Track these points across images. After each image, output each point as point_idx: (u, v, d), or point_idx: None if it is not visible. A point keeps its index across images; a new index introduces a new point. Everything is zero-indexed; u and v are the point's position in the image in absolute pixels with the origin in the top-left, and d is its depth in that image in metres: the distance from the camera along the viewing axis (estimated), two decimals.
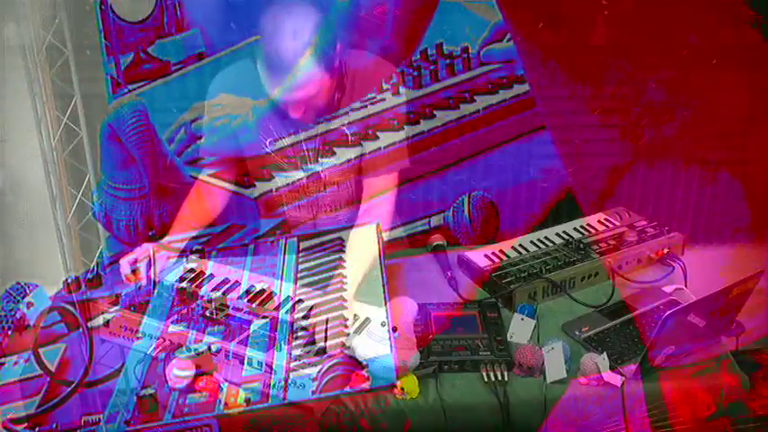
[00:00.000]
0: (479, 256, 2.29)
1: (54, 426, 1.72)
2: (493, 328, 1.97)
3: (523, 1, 3.00)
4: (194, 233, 2.37)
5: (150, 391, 1.73)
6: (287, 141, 2.29)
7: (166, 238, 2.32)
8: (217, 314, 2.00)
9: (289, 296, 2.06)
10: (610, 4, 2.84)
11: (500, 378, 1.79)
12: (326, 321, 1.92)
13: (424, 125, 3.19)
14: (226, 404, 1.72)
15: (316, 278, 2.14)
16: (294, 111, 2.12)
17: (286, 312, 1.99)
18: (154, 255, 2.19)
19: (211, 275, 2.20)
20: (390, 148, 2.31)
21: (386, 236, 2.25)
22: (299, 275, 2.17)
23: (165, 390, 1.76)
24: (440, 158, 3.24)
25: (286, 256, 2.27)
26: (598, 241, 2.33)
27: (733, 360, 1.83)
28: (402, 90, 2.31)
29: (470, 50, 3.13)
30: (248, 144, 2.32)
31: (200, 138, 3.18)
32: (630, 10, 2.82)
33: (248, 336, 1.91)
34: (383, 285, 2.03)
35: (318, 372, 1.77)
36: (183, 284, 2.13)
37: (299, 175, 2.36)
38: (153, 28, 3.11)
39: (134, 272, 2.17)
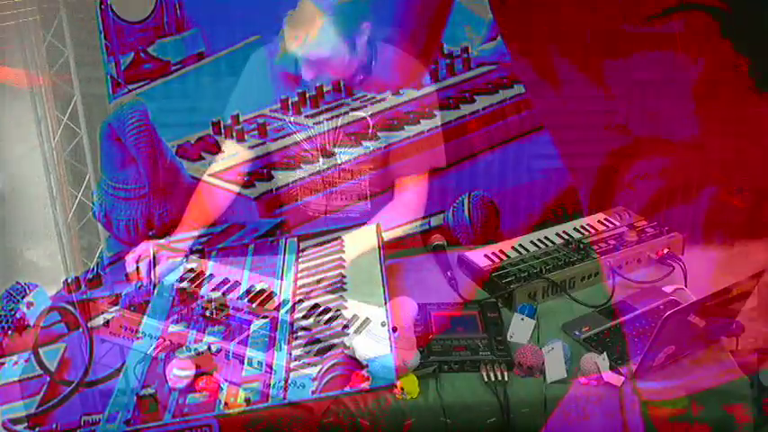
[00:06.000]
0: (479, 256, 2.29)
1: (54, 426, 1.72)
2: (493, 328, 1.97)
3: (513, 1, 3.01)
4: (196, 233, 2.38)
5: (150, 391, 1.73)
6: (303, 135, 2.32)
7: (167, 238, 2.32)
8: (217, 314, 2.00)
9: (289, 296, 2.06)
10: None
11: (500, 378, 1.79)
12: (328, 320, 1.92)
13: (424, 125, 3.18)
14: (226, 404, 1.72)
15: (316, 278, 2.14)
16: (308, 71, 2.15)
17: (286, 312, 1.99)
18: (155, 254, 2.19)
19: (211, 275, 2.20)
20: (422, 136, 2.33)
21: (386, 236, 2.25)
22: (298, 275, 2.17)
23: (165, 390, 1.76)
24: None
25: (286, 256, 2.27)
26: (598, 241, 2.33)
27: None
28: (403, 91, 2.32)
29: (470, 50, 3.13)
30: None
31: None
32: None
33: (248, 336, 1.91)
34: (383, 285, 2.03)
35: (318, 372, 1.77)
36: (183, 284, 2.13)
37: (318, 167, 2.38)
38: (153, 28, 3.11)
39: (137, 270, 2.18)
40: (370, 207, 2.43)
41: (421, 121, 2.31)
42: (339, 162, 2.36)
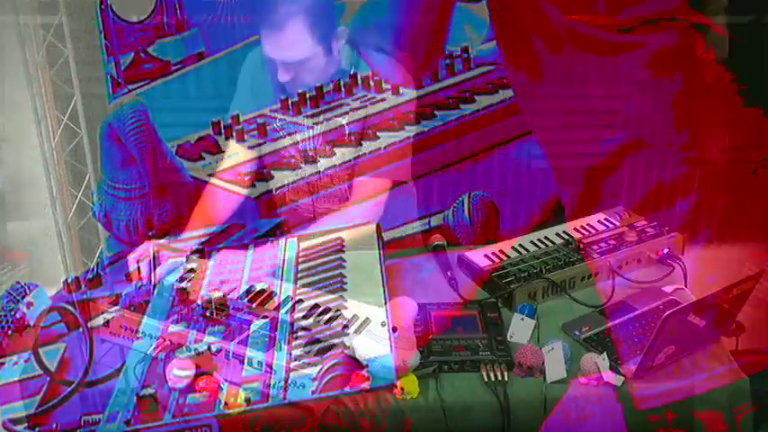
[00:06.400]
0: (479, 256, 2.29)
1: (54, 426, 1.72)
2: (493, 328, 1.97)
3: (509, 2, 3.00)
4: (198, 233, 2.38)
5: (150, 391, 1.73)
6: (288, 141, 2.31)
7: (168, 238, 2.33)
8: (217, 314, 2.00)
9: (289, 296, 2.06)
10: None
11: (500, 378, 1.79)
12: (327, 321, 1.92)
13: (424, 125, 3.19)
14: (226, 404, 1.72)
15: (316, 278, 2.14)
16: (283, 73, 2.16)
17: (286, 312, 1.99)
18: (155, 254, 2.20)
19: (211, 275, 2.20)
20: (390, 148, 2.33)
21: (386, 236, 2.25)
22: (298, 275, 2.17)
23: (165, 390, 1.76)
24: (440, 158, 3.24)
25: (286, 256, 2.27)
26: (598, 241, 2.33)
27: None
28: (402, 90, 2.32)
29: (470, 50, 3.13)
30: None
31: None
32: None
33: (248, 336, 1.91)
34: (383, 285, 2.03)
35: (318, 372, 1.77)
36: (183, 284, 2.13)
37: (301, 172, 2.39)
38: (153, 28, 3.11)
39: (139, 270, 2.18)
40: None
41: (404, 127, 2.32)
42: (321, 168, 2.37)
